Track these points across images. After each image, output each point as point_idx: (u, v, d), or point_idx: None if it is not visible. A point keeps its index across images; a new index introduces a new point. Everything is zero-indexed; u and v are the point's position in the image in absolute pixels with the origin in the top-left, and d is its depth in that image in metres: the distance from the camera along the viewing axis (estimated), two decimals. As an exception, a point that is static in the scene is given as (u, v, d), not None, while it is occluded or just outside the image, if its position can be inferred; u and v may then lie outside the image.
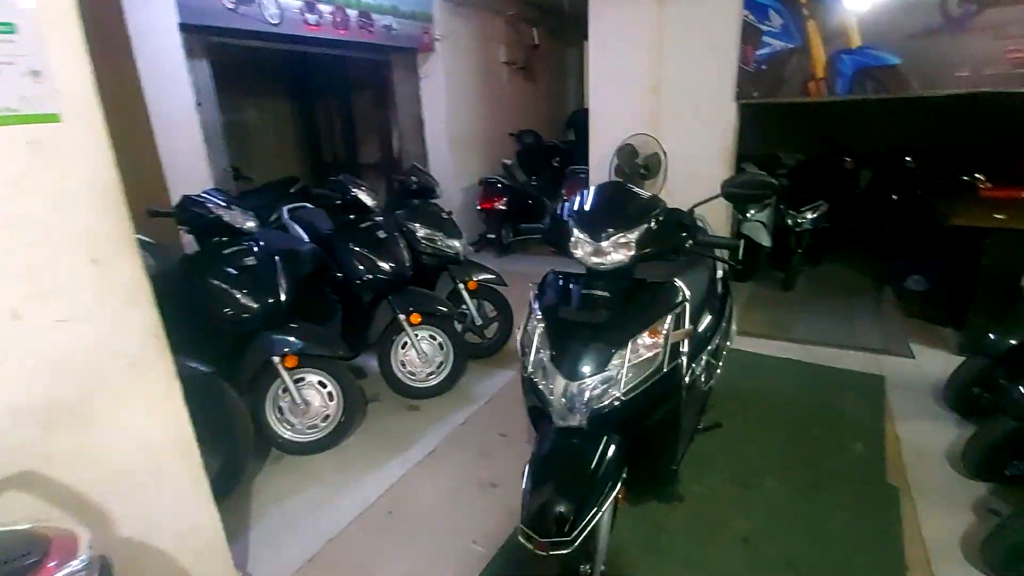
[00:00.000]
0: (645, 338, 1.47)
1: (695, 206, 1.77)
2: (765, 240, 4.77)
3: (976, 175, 4.63)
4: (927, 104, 4.26)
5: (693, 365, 2.02)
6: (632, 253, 1.48)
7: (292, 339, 2.45)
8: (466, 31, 5.73)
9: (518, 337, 1.62)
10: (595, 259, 1.49)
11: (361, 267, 2.77)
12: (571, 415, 1.43)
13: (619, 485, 1.49)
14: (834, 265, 5.37)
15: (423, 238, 3.20)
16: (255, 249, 2.50)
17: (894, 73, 3.57)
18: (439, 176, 5.81)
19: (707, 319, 2.14)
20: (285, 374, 2.43)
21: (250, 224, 2.51)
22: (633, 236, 1.49)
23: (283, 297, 2.45)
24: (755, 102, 3.96)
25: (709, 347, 2.11)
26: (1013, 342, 2.24)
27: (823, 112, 6.02)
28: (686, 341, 1.55)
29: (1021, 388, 1.88)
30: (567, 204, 1.66)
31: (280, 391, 2.49)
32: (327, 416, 2.57)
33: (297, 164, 6.74)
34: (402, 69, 5.39)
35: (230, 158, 5.22)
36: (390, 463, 2.50)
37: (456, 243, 3.29)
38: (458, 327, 3.41)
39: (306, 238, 3.16)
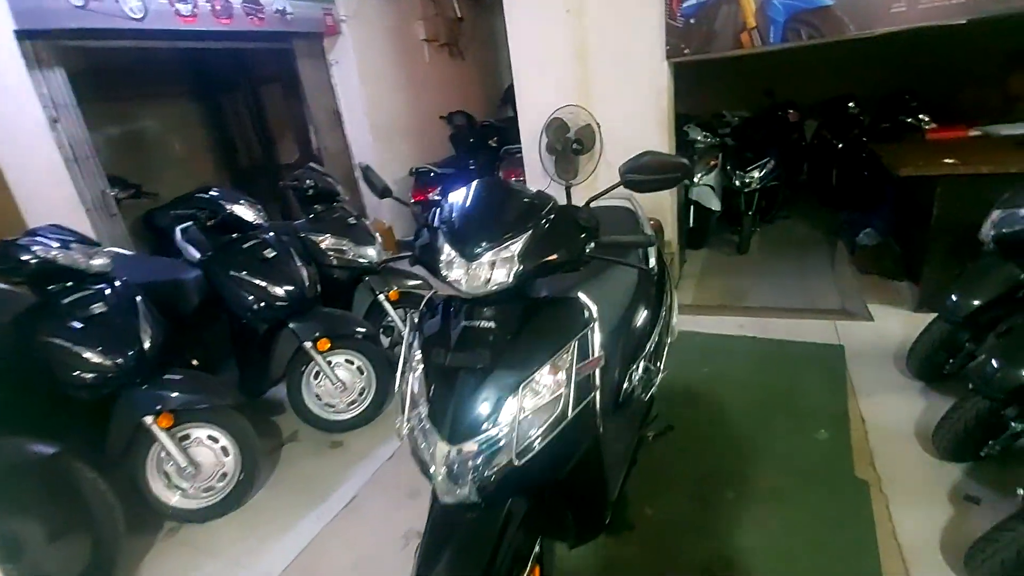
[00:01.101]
0: (543, 377, 1.16)
1: (591, 201, 1.43)
2: (715, 204, 4.55)
3: (920, 116, 4.48)
4: (868, 49, 4.02)
5: (627, 379, 1.74)
6: (516, 269, 1.16)
7: (167, 393, 2.07)
8: (375, 9, 5.23)
9: (396, 383, 1.29)
10: (471, 284, 1.17)
11: (248, 295, 2.37)
12: (457, 487, 1.12)
13: (532, 561, 1.20)
14: (787, 222, 5.20)
15: (329, 249, 2.81)
16: (107, 292, 2.08)
17: (828, 15, 3.30)
18: (366, 170, 5.45)
19: (640, 318, 1.85)
20: (162, 435, 2.05)
21: (98, 262, 2.09)
22: (515, 248, 1.16)
23: (147, 345, 2.06)
24: (687, 60, 3.65)
25: (644, 351, 1.82)
26: (976, 303, 2.02)
27: (763, 64, 5.80)
28: (597, 372, 1.24)
29: (993, 362, 1.65)
30: (438, 210, 1.32)
31: (162, 454, 2.11)
32: (224, 475, 2.21)
33: (212, 171, 6.17)
34: (308, 57, 4.88)
35: (127, 174, 4.73)
36: (303, 521, 2.16)
37: (370, 250, 2.92)
38: (385, 342, 3.07)
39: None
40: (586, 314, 1.25)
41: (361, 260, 2.86)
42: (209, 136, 6.16)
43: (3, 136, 2.76)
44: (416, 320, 1.33)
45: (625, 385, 1.74)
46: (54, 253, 1.96)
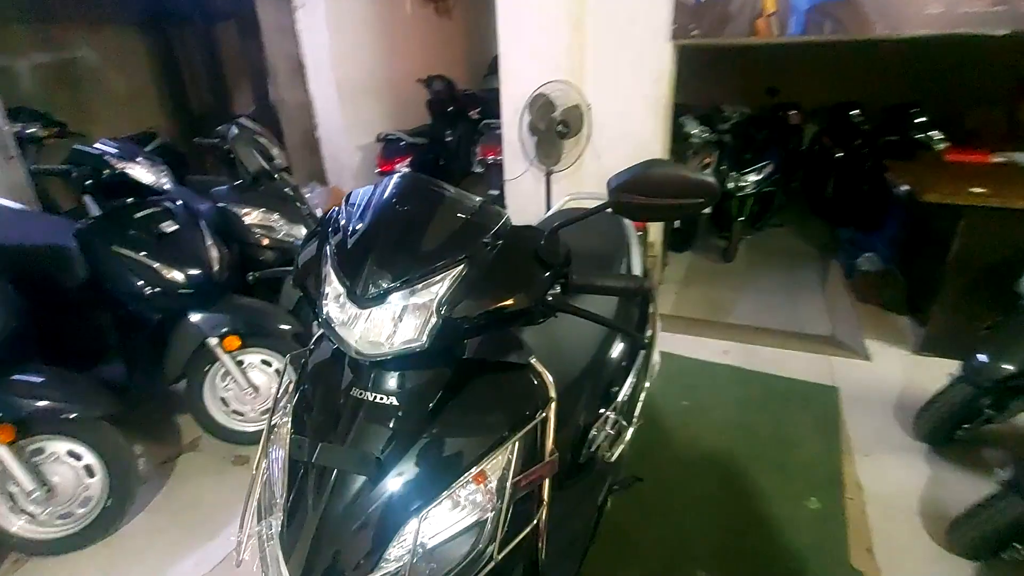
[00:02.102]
0: (462, 488, 0.76)
1: (560, 226, 1.01)
2: None
3: (930, 133, 4.17)
4: (876, 54, 3.65)
5: (589, 438, 1.37)
6: (434, 325, 0.75)
7: (12, 400, 1.62)
8: (352, -52, 4.63)
9: (255, 485, 0.86)
10: (362, 340, 0.76)
11: (135, 278, 1.90)
12: None
13: None
14: (777, 230, 4.87)
15: (254, 226, 2.34)
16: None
17: (855, 9, 2.92)
18: (329, 132, 4.90)
19: (612, 357, 1.47)
20: (2, 453, 1.60)
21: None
22: (436, 291, 0.76)
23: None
24: (695, 43, 3.22)
25: (615, 401, 1.45)
26: (1010, 368, 1.70)
27: (769, 58, 5.42)
28: (547, 483, 0.85)
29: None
30: (339, 209, 0.90)
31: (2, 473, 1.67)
32: (87, 499, 1.78)
33: (158, 116, 5.51)
34: (268, -5, 4.29)
35: (56, 110, 4.10)
36: (182, 564, 1.76)
37: (305, 229, 2.46)
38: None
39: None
40: (540, 392, 0.85)
41: (291, 240, 2.40)
42: (156, 75, 5.48)
43: None
44: (294, 369, 0.92)
45: (587, 446, 1.37)
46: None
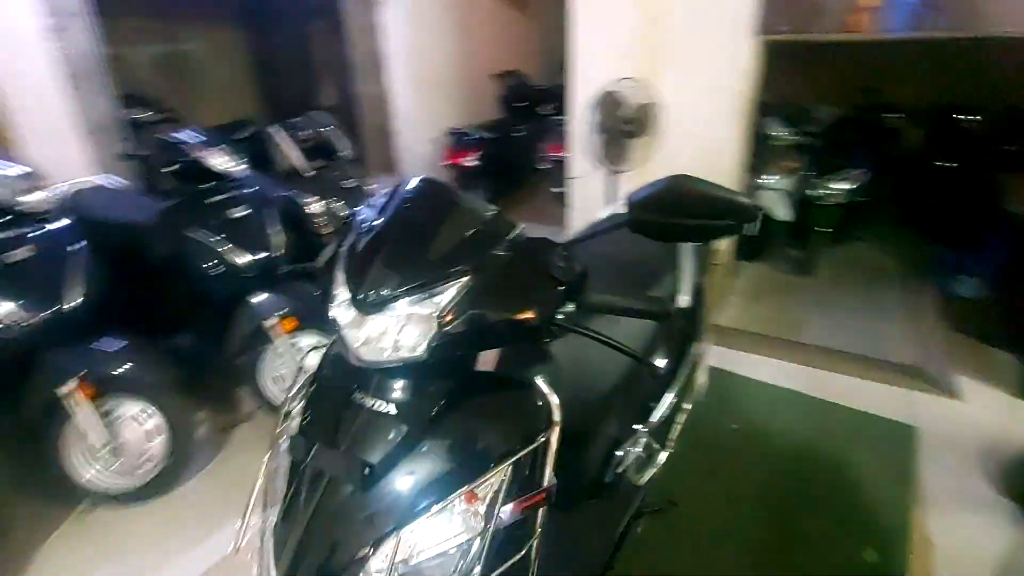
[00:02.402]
0: (452, 506, 0.74)
1: (576, 240, 0.94)
2: (783, 213, 3.94)
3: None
4: (998, 51, 3.24)
5: (614, 459, 1.31)
6: (434, 336, 0.74)
7: (91, 360, 1.79)
8: (436, -56, 4.71)
9: (260, 476, 0.88)
10: (364, 347, 0.76)
11: (204, 259, 2.04)
12: None
13: None
14: (863, 245, 4.46)
15: (316, 215, 2.44)
16: (32, 236, 1.79)
17: (972, 3, 2.60)
18: (403, 124, 5.04)
19: (646, 376, 1.39)
20: (81, 406, 1.78)
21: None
22: (439, 301, 0.74)
23: (69, 304, 1.77)
24: (783, 39, 3.00)
25: (647, 422, 1.38)
26: None
27: (868, 54, 4.95)
28: (541, 512, 0.81)
29: None
30: (365, 207, 0.90)
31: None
32: (150, 458, 1.94)
33: (254, 104, 5.91)
34: (355, -8, 4.46)
35: (165, 98, 4.49)
36: (229, 526, 1.88)
37: (366, 220, 2.53)
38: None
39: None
40: (543, 414, 0.82)
41: (353, 230, 2.49)
42: (254, 68, 5.88)
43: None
44: (315, 365, 0.94)
45: (613, 465, 1.32)
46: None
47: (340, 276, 0.79)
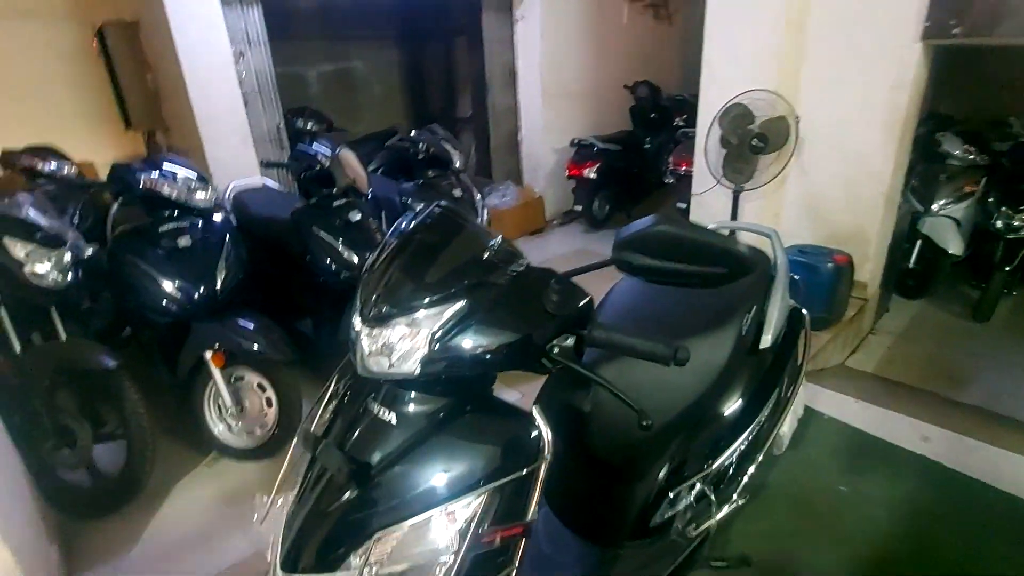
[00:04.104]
0: (433, 521, 0.76)
1: (573, 273, 0.90)
2: (954, 246, 3.37)
3: None
4: None
5: (665, 503, 1.23)
6: (425, 356, 0.77)
7: (227, 333, 2.12)
8: (576, -40, 4.77)
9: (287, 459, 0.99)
10: (366, 357, 0.81)
11: (325, 256, 2.31)
12: None
13: None
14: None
15: (425, 220, 2.62)
16: (198, 226, 2.18)
17: None
18: (530, 134, 5.16)
19: (713, 419, 1.28)
20: (215, 372, 2.12)
21: (200, 196, 2.17)
22: (431, 324, 0.77)
23: (219, 285, 2.12)
24: (956, 43, 2.55)
25: (707, 470, 1.26)
26: None
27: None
28: (522, 543, 0.79)
29: None
30: (397, 228, 0.96)
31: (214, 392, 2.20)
32: (264, 423, 2.24)
33: (401, 115, 6.49)
34: (494, 10, 4.68)
35: (328, 110, 5.14)
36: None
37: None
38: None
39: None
40: (535, 445, 0.80)
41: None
42: (403, 81, 6.46)
43: (191, 62, 3.07)
44: (348, 366, 1.02)
45: (662, 509, 1.24)
46: (159, 183, 2.08)
47: (358, 288, 0.86)
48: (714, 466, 1.27)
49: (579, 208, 4.80)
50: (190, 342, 2.13)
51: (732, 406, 1.31)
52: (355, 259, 2.30)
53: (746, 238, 1.91)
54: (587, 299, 0.79)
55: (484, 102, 5.25)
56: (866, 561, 1.70)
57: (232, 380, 2.19)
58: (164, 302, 2.06)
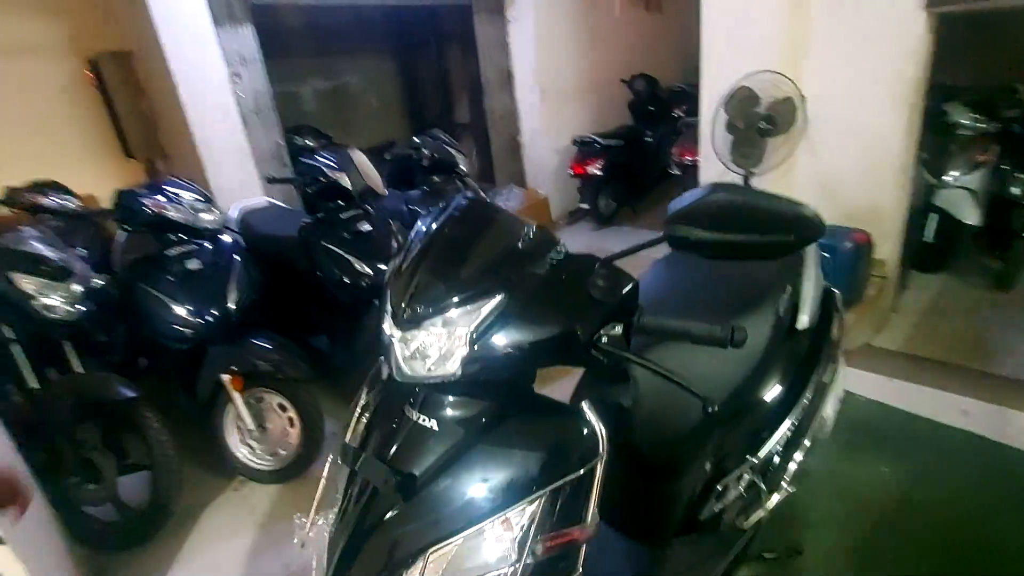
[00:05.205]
0: (488, 531, 0.72)
1: (615, 257, 0.85)
2: (971, 216, 3.31)
3: None
4: None
5: (712, 496, 1.18)
6: (467, 356, 0.72)
7: (244, 355, 2.09)
8: (564, -44, 4.75)
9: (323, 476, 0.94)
10: (402, 364, 0.77)
11: (336, 270, 2.27)
12: None
13: None
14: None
15: (434, 227, 2.59)
16: (206, 249, 2.15)
17: None
18: (530, 136, 5.13)
19: (756, 404, 1.23)
20: (234, 395, 2.08)
21: (207, 217, 2.15)
22: (469, 322, 0.73)
23: (232, 306, 2.08)
24: (961, 9, 2.50)
25: (753, 459, 1.22)
26: None
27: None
28: (583, 550, 0.75)
29: None
30: (415, 232, 0.92)
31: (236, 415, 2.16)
32: (288, 444, 2.20)
33: (399, 126, 6.48)
34: (486, 12, 4.66)
35: (325, 126, 5.13)
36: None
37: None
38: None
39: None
40: (588, 444, 0.76)
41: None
42: (399, 92, 6.45)
43: (187, 86, 3.06)
44: (379, 373, 0.98)
45: (711, 502, 1.19)
46: (164, 207, 2.05)
47: (385, 292, 0.82)
48: (761, 455, 1.22)
49: (586, 206, 4.76)
50: (207, 366, 2.10)
51: (773, 391, 1.26)
52: (367, 270, 2.26)
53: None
54: (633, 283, 0.74)
55: (482, 107, 5.23)
56: (919, 543, 1.64)
57: (252, 402, 2.15)
58: (177, 328, 2.02)
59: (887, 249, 3.00)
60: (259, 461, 2.22)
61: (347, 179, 2.33)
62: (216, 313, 2.05)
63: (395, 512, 0.76)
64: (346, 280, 2.27)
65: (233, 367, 2.06)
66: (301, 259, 2.53)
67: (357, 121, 6.07)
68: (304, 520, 0.88)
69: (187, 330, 2.03)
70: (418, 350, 0.75)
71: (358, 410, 0.93)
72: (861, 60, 2.76)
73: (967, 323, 2.90)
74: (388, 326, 0.79)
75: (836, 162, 3.01)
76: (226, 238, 2.25)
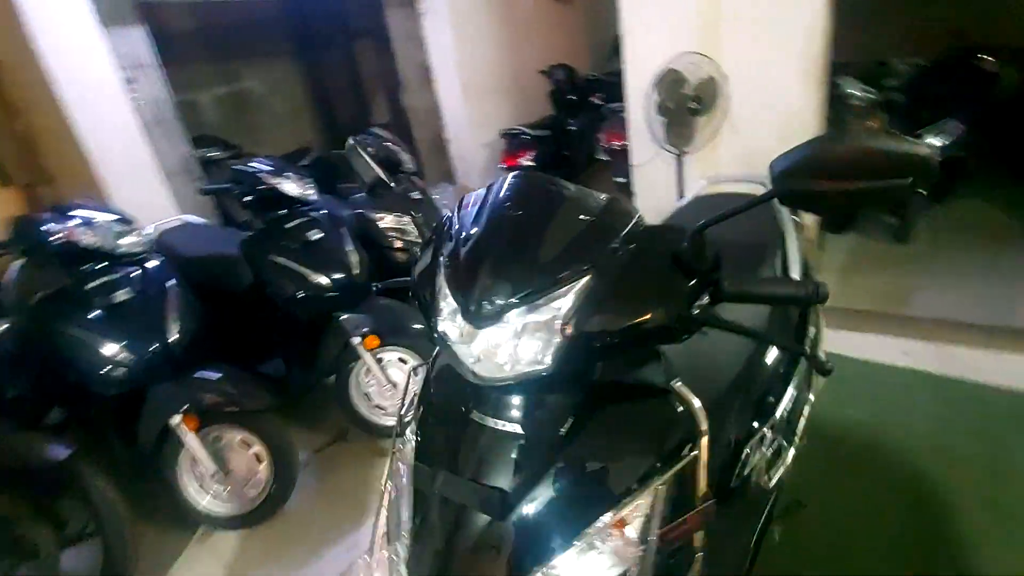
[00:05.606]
0: (599, 535, 0.66)
1: (707, 224, 0.83)
2: None
3: None
4: None
5: (741, 458, 1.19)
6: (560, 345, 0.66)
7: (194, 392, 1.86)
8: (472, -53, 4.69)
9: (382, 507, 0.84)
10: (481, 364, 0.69)
11: (289, 283, 2.08)
12: None
13: None
14: (969, 203, 4.02)
15: (388, 230, 2.45)
16: (133, 276, 1.89)
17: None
18: (456, 132, 5.05)
19: (766, 364, 1.27)
20: (188, 437, 1.85)
21: (127, 242, 1.88)
22: (560, 307, 0.67)
23: (173, 338, 1.84)
24: (856, -12, 2.74)
25: (771, 416, 1.25)
26: None
27: (953, -6, 4.50)
28: (700, 533, 0.72)
29: None
30: (453, 215, 0.84)
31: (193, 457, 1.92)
32: (257, 482, 1.99)
33: (312, 131, 6.12)
34: (397, 6, 4.51)
35: (231, 135, 4.73)
36: (335, 545, 1.90)
37: (436, 231, 2.52)
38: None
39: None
40: (687, 423, 0.72)
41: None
42: (309, 96, 6.09)
43: (76, 97, 2.67)
44: (418, 385, 0.89)
45: (740, 467, 1.20)
46: (77, 232, 1.77)
47: (443, 288, 0.73)
48: (777, 412, 1.26)
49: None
50: (150, 409, 1.85)
51: (778, 351, 1.30)
52: (325, 281, 2.09)
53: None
54: (717, 251, 0.71)
55: (401, 105, 5.06)
56: (899, 476, 1.78)
57: (209, 442, 1.92)
58: (110, 370, 1.75)
59: (807, 215, 3.24)
60: (226, 506, 1.99)
61: (289, 185, 2.13)
62: (157, 347, 1.80)
63: (493, 530, 0.68)
64: (300, 294, 2.08)
65: (184, 406, 1.82)
66: (241, 279, 2.30)
67: (264, 128, 5.67)
68: (368, 559, 0.78)
69: (121, 371, 1.76)
70: (498, 347, 0.68)
71: (407, 425, 0.83)
72: (771, 40, 2.94)
73: (880, 275, 3.21)
74: (452, 325, 0.71)
75: (756, 137, 3.20)
76: (155, 263, 1.99)
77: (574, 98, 5.18)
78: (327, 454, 2.36)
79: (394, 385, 2.28)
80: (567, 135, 5.08)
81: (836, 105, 3.81)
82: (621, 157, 4.11)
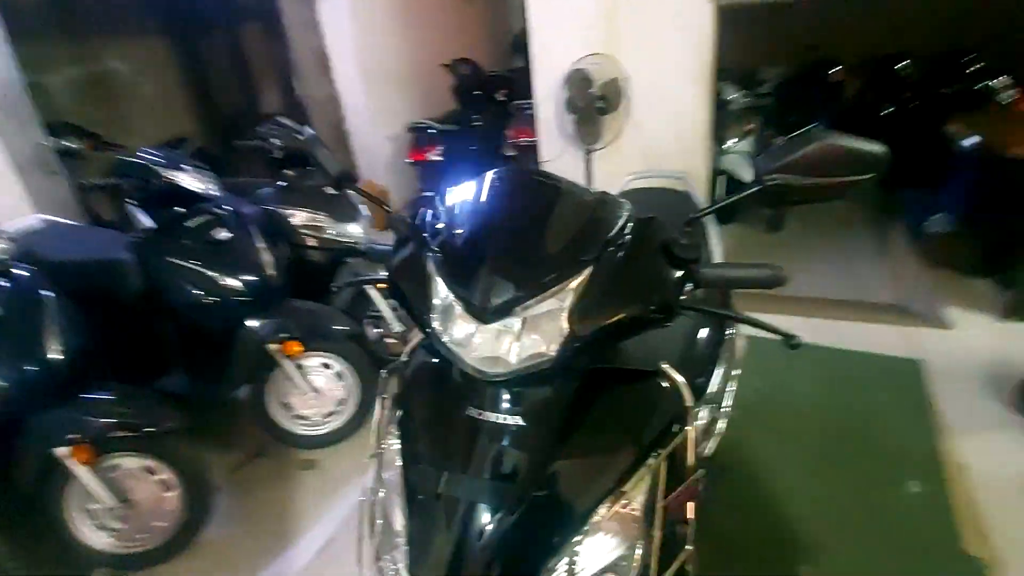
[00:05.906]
0: (606, 516, 0.69)
1: (697, 217, 0.89)
2: (748, 174, 4.04)
3: (995, 82, 3.85)
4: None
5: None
6: (566, 337, 0.67)
7: (85, 418, 1.61)
8: (369, -67, 4.50)
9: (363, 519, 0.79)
10: (488, 361, 0.68)
11: (193, 289, 1.88)
12: None
13: None
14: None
15: (301, 227, 2.30)
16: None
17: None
18: (357, 124, 4.84)
19: (701, 338, 1.38)
20: (80, 470, 1.60)
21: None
22: (565, 301, 0.68)
23: (55, 357, 1.59)
24: (739, 2, 3.03)
25: (707, 390, 1.36)
26: None
27: (812, 13, 5.13)
28: (691, 507, 0.77)
29: None
30: (430, 211, 0.82)
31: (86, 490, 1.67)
32: (167, 513, 1.78)
33: (189, 120, 5.52)
34: (289, -12, 4.21)
35: (90, 123, 4.12)
36: (263, 572, 1.76)
37: (353, 227, 2.41)
38: (375, 333, 2.60)
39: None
40: (675, 400, 0.77)
41: (342, 239, 2.36)
42: (184, 80, 5.48)
43: None
44: (394, 384, 0.85)
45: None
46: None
47: (439, 284, 0.71)
48: (709, 388, 1.37)
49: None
50: (28, 442, 1.58)
51: (707, 330, 1.42)
52: (235, 283, 1.91)
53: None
54: (699, 241, 0.76)
55: (295, 94, 4.75)
56: (800, 436, 2.02)
57: (105, 473, 1.68)
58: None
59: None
60: (128, 544, 1.76)
61: (188, 179, 1.92)
62: (34, 370, 1.54)
63: (505, 524, 0.67)
64: (209, 300, 1.89)
65: (71, 435, 1.58)
66: (130, 285, 2.04)
67: (130, 116, 5.02)
68: (359, 572, 0.73)
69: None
70: (500, 341, 0.67)
71: (392, 428, 0.79)
72: (666, 46, 3.17)
73: (760, 260, 3.60)
74: (452, 321, 0.69)
75: (655, 135, 3.43)
76: (22, 273, 1.69)
77: (479, 93, 5.18)
78: (244, 473, 2.17)
79: (316, 391, 2.15)
80: (474, 130, 5.08)
81: (720, 107, 4.19)
82: (529, 153, 4.21)
